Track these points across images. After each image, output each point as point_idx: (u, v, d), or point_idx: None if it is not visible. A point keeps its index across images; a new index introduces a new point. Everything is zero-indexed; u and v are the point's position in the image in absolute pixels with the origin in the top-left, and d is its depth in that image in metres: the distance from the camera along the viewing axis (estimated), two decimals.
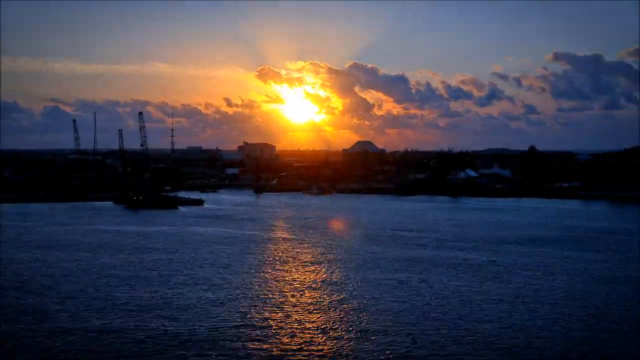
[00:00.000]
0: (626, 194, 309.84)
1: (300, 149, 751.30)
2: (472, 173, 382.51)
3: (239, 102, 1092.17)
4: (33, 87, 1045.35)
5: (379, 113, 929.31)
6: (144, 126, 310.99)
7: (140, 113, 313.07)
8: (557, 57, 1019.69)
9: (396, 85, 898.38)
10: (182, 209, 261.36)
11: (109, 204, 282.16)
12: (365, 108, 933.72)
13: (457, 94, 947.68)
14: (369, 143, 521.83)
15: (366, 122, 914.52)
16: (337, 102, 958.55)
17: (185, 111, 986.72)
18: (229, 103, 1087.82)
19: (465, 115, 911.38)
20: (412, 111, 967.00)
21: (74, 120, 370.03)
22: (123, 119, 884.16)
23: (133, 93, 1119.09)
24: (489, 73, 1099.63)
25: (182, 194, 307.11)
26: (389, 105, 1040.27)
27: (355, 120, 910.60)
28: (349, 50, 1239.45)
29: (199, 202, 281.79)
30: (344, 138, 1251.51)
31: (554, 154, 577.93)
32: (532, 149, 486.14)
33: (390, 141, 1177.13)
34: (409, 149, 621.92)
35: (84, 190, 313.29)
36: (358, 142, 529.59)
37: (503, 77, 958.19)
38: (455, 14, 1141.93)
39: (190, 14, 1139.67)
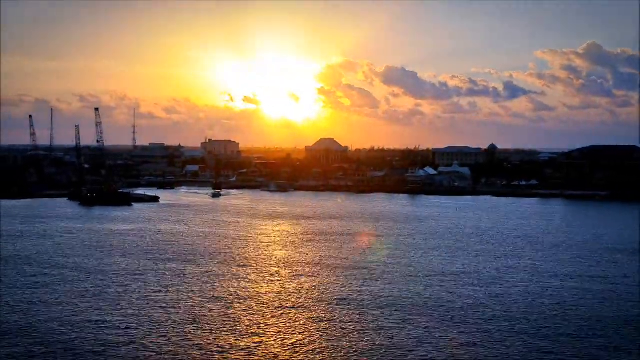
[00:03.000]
0: (578, 192, 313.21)
1: (266, 146, 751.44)
2: (431, 171, 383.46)
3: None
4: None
5: (384, 109, 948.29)
6: (100, 122, 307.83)
7: (97, 109, 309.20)
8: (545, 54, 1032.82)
9: (401, 81, 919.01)
10: (136, 205, 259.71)
11: (64, 200, 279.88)
12: (371, 104, 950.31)
13: (460, 91, 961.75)
14: (332, 140, 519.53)
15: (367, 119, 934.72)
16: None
17: (187, 107, 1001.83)
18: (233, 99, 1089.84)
19: (475, 113, 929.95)
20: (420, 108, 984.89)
21: (30, 116, 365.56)
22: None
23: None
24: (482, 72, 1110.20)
25: (140, 191, 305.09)
26: (396, 101, 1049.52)
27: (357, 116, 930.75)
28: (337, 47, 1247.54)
29: (155, 199, 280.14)
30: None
31: (518, 152, 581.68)
32: (491, 147, 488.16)
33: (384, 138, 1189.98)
34: (375, 147, 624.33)
35: (39, 186, 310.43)
36: (321, 139, 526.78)
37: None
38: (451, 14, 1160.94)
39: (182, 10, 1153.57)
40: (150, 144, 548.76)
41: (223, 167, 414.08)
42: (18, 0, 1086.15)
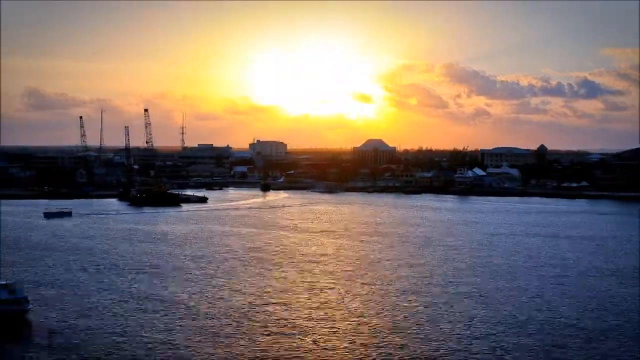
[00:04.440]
0: (629, 193, 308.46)
1: (313, 147, 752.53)
2: (480, 172, 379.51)
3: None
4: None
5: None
6: (150, 123, 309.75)
7: (146, 110, 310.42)
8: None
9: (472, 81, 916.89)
10: (185, 206, 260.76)
11: (114, 201, 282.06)
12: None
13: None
14: (380, 141, 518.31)
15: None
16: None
17: (245, 107, 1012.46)
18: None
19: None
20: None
21: (81, 118, 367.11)
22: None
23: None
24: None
25: (188, 192, 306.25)
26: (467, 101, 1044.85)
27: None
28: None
29: (203, 200, 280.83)
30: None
31: (568, 153, 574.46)
32: (541, 148, 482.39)
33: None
34: (423, 148, 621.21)
35: (88, 187, 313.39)
36: (369, 139, 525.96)
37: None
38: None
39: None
40: (198, 144, 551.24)
41: (271, 168, 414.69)
42: (75, 1, 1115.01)
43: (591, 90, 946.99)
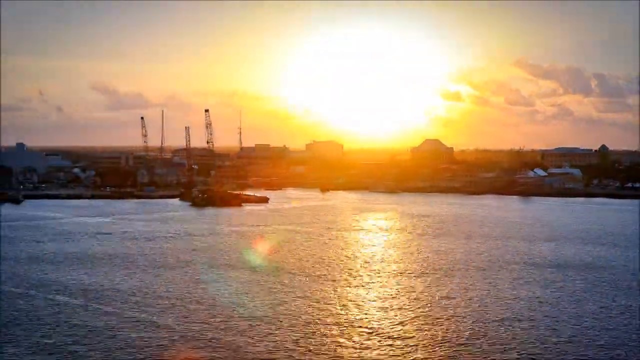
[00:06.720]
0: None
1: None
2: (541, 172, 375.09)
3: None
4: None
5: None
6: (210, 123, 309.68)
7: (207, 110, 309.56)
8: None
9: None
10: (246, 207, 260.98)
11: (175, 201, 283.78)
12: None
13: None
14: (437, 141, 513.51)
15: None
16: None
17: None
18: None
19: None
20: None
21: (142, 118, 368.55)
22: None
23: None
24: None
25: (248, 192, 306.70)
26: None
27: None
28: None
29: (264, 200, 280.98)
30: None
31: (629, 153, 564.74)
32: (602, 148, 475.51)
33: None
34: (480, 148, 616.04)
35: (150, 187, 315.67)
36: (426, 140, 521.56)
37: None
38: None
39: None
40: (255, 145, 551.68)
41: (328, 168, 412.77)
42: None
43: None
